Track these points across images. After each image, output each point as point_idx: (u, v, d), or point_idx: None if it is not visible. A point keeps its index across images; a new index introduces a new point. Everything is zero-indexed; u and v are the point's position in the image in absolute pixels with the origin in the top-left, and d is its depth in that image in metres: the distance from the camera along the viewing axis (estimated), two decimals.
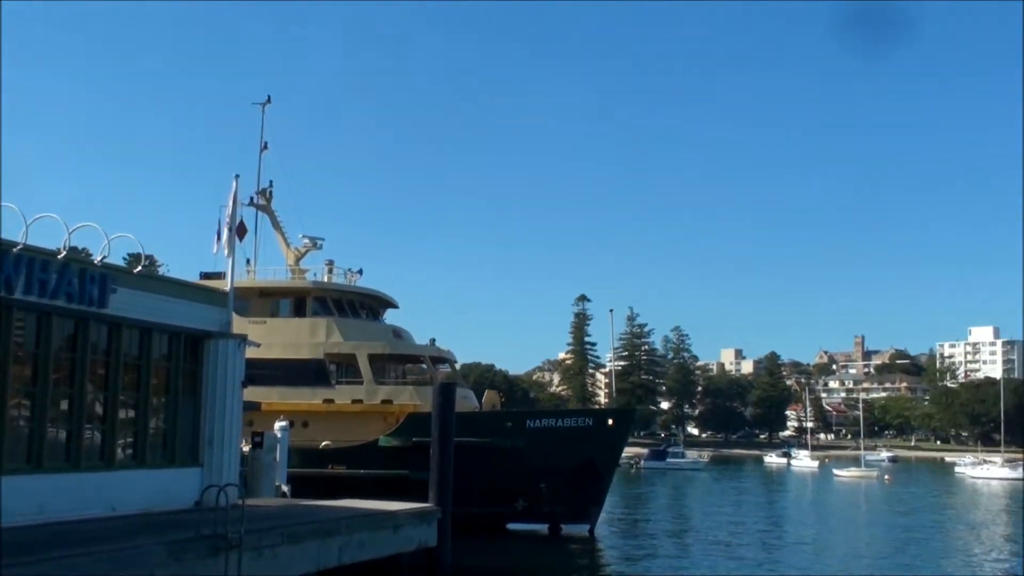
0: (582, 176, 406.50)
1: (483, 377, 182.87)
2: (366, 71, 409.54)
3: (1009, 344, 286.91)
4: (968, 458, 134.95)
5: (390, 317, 49.72)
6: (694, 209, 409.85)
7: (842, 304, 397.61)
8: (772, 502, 70.89)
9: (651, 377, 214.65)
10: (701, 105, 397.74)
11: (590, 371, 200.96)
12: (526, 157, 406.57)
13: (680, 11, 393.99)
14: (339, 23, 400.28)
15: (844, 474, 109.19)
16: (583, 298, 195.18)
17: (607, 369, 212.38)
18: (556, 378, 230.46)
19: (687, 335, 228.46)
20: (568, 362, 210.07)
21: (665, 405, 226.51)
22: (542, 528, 42.53)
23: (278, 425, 34.78)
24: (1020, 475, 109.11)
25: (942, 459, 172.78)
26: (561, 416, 46.31)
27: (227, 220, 26.72)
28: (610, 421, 43.22)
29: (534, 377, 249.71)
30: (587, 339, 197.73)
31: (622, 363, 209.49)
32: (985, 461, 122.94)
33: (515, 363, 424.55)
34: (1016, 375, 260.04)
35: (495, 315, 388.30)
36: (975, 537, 48.71)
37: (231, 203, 26.70)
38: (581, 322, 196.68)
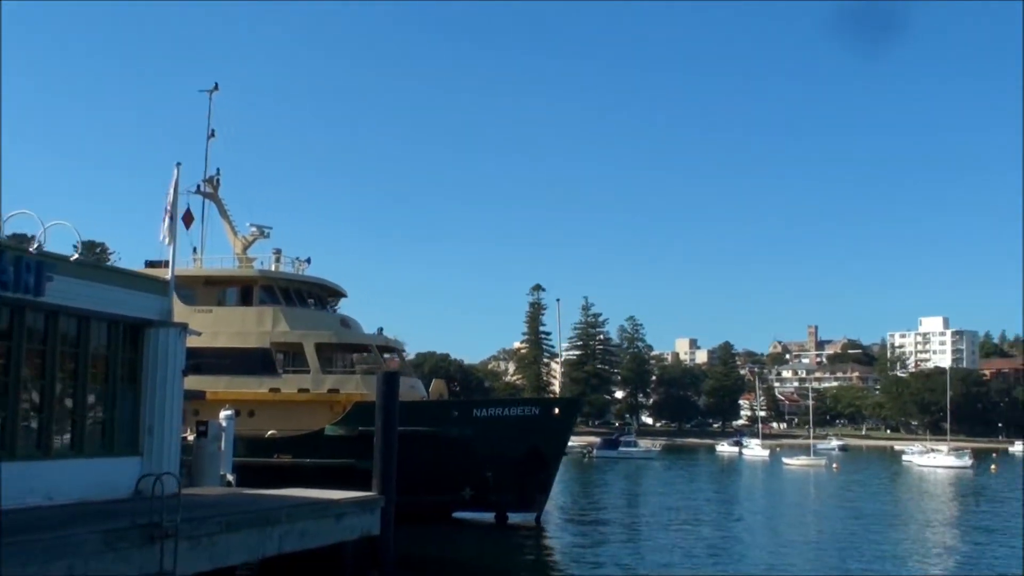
0: (538, 169, 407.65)
1: (438, 366, 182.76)
2: (319, 61, 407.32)
3: (958, 334, 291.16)
4: (916, 447, 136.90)
5: (344, 307, 49.75)
6: (650, 202, 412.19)
7: (797, 295, 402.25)
8: (717, 491, 71.57)
9: (606, 366, 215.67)
10: (656, 100, 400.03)
11: (545, 360, 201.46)
12: (483, 149, 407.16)
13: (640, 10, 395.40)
14: (292, 17, 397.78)
15: (793, 463, 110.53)
16: (538, 288, 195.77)
17: (561, 358, 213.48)
18: (511, 367, 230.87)
19: (641, 325, 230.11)
20: (523, 351, 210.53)
21: (619, 394, 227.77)
22: (489, 517, 42.73)
23: (223, 414, 34.68)
24: (965, 463, 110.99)
25: (892, 448, 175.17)
26: (507, 405, 46.49)
27: (168, 208, 26.55)
28: (556, 410, 43.53)
29: (489, 366, 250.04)
30: (542, 328, 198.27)
31: (577, 352, 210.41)
32: (932, 450, 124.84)
33: (471, 352, 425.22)
34: (965, 365, 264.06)
35: (451, 305, 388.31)
36: (906, 523, 49.76)
37: (172, 191, 26.55)
38: (536, 312, 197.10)
